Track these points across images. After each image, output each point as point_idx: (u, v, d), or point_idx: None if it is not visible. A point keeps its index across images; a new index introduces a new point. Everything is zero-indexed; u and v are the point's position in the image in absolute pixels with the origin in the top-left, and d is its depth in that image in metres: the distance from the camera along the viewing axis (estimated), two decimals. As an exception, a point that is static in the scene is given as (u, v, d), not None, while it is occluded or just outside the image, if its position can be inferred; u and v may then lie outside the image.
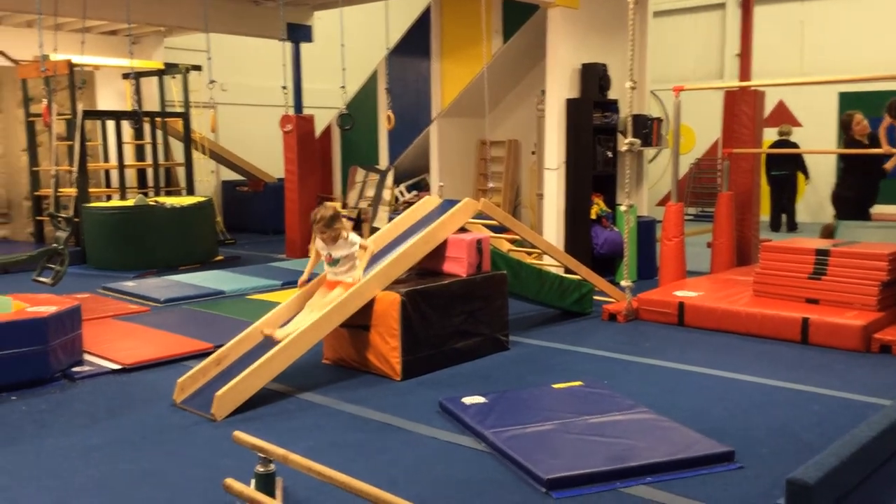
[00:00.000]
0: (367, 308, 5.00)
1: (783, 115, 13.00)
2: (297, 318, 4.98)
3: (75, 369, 5.05)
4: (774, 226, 12.16)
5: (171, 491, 3.36)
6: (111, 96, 12.15)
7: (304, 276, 5.27)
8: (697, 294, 6.41)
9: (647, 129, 8.39)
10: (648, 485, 3.34)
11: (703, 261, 8.11)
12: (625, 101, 6.60)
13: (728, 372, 5.00)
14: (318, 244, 5.13)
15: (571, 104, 8.01)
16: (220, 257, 9.86)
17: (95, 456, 3.75)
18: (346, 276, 5.05)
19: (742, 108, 8.09)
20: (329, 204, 5.23)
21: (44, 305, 5.05)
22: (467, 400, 4.28)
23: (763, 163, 10.56)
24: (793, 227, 12.13)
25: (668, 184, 11.35)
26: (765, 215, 10.79)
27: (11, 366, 4.65)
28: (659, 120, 8.71)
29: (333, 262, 5.08)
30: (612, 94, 8.19)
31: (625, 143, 6.45)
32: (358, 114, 10.54)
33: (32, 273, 6.98)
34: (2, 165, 11.13)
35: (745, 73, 8.78)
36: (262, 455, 3.14)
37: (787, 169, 11.94)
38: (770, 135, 11.37)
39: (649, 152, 10.25)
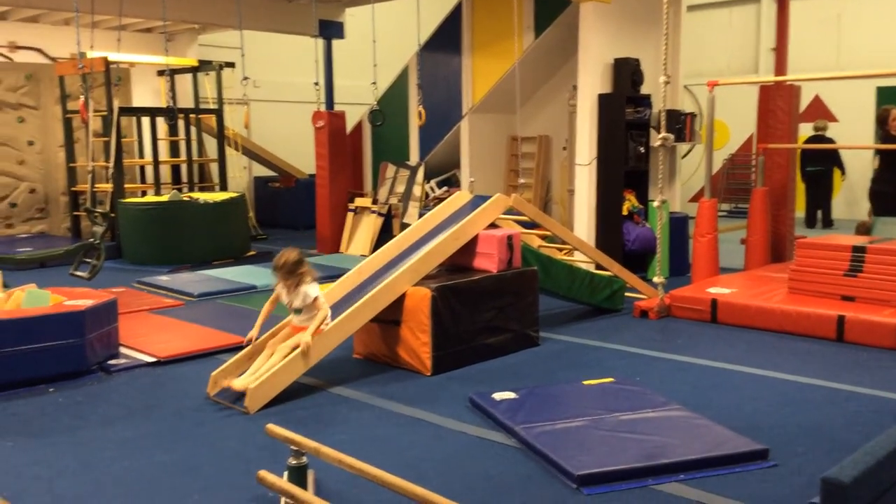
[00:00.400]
0: (398, 303, 5.02)
1: (819, 111, 12.80)
2: (257, 363, 4.57)
3: (111, 362, 5.13)
4: (810, 222, 11.99)
5: (206, 482, 3.40)
6: (146, 93, 12.32)
7: (254, 332, 4.67)
8: (731, 291, 6.34)
9: (680, 124, 8.31)
10: (681, 482, 3.32)
11: (736, 258, 8.02)
12: (658, 95, 6.54)
13: (762, 369, 4.95)
14: (278, 289, 4.67)
15: (603, 99, 7.95)
16: (252, 252, 9.96)
17: (131, 447, 3.81)
18: (310, 323, 4.62)
19: (777, 102, 7.98)
20: (292, 249, 4.66)
21: (81, 299, 5.14)
22: (497, 395, 4.28)
23: (798, 158, 10.41)
24: (828, 223, 11.95)
25: (700, 180, 11.24)
26: (800, 211, 10.65)
27: (49, 358, 4.74)
28: (692, 115, 8.61)
29: (296, 310, 4.68)
30: (644, 89, 8.12)
31: (658, 138, 6.39)
32: (389, 110, 10.57)
33: (69, 267, 7.11)
34: (39, 161, 11.35)
35: (780, 67, 8.65)
36: (295, 448, 3.17)
37: (822, 165, 11.76)
38: (805, 130, 11.19)
39: (682, 148, 10.15)
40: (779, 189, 7.98)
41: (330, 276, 7.31)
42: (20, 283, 5.53)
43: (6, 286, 5.40)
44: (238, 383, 4.39)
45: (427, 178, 10.79)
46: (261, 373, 4.43)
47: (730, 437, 3.66)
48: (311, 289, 4.62)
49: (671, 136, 6.59)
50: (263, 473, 2.87)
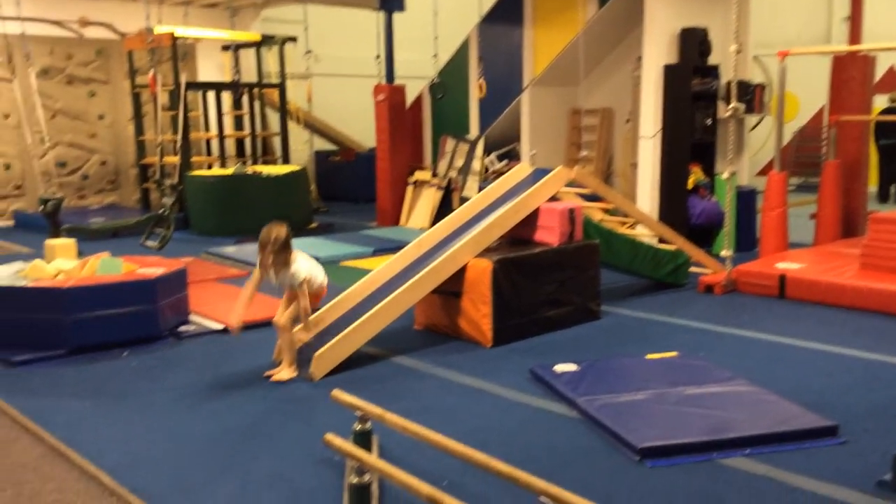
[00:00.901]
0: (459, 275, 5.04)
1: (894, 82, 12.31)
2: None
3: (182, 328, 5.28)
4: (883, 197, 11.58)
5: (274, 445, 3.49)
6: (211, 68, 12.51)
7: (238, 321, 4.39)
8: (800, 266, 6.19)
9: (749, 95, 8.08)
10: (747, 457, 3.27)
11: (805, 233, 7.82)
12: (727, 66, 6.38)
13: (831, 346, 4.83)
14: (261, 269, 4.40)
15: (669, 70, 7.79)
16: (314, 225, 10.09)
17: (202, 411, 3.93)
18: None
19: (851, 73, 7.71)
20: (280, 224, 4.37)
21: (152, 267, 5.29)
22: (559, 367, 4.28)
23: (872, 131, 10.05)
24: None
25: (768, 153, 10.94)
26: (873, 186, 10.30)
27: (123, 324, 4.91)
28: (762, 86, 8.38)
29: (281, 287, 4.49)
30: (712, 60, 7.92)
31: (728, 108, 6.24)
32: (449, 83, 10.54)
33: (140, 237, 7.32)
34: (110, 135, 11.67)
35: (854, 36, 8.34)
36: (360, 413, 3.23)
37: None
38: (880, 102, 10.79)
39: (750, 120, 9.87)
40: (851, 162, 7.73)
41: (390, 248, 7.39)
42: (94, 252, 5.72)
43: (80, 255, 5.59)
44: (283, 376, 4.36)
45: (487, 151, 10.74)
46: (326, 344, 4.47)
47: (797, 412, 3.60)
48: (300, 271, 4.36)
49: (742, 106, 6.43)
50: (330, 437, 2.93)
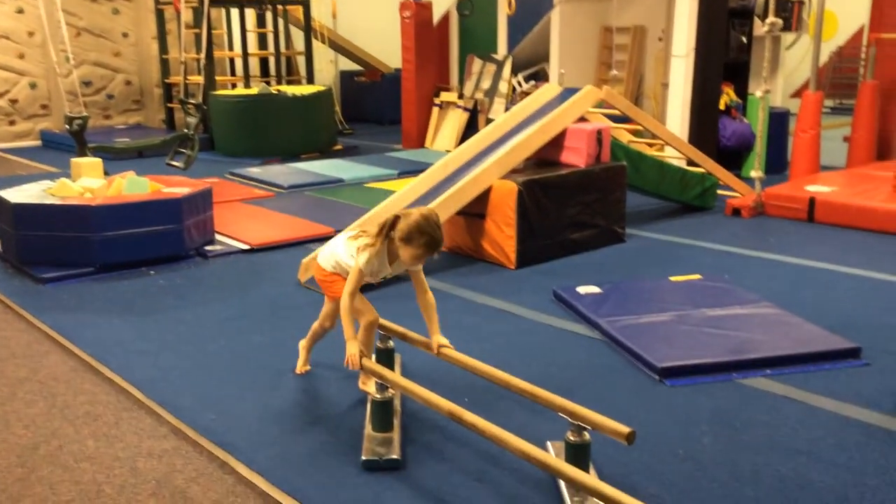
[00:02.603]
0: (484, 196, 5.01)
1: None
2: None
3: (208, 248, 5.34)
4: None
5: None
6: (235, -15, 12.29)
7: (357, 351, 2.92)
8: (831, 189, 6.08)
9: (787, 12, 7.81)
10: (767, 377, 3.28)
11: (838, 156, 7.66)
12: (764, -20, 6.13)
13: (859, 269, 4.77)
14: (376, 267, 2.95)
15: (704, -14, 7.50)
16: (339, 146, 10.04)
17: (228, 327, 4.00)
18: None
19: (895, -12, 7.40)
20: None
21: (178, 187, 5.32)
22: (582, 289, 4.28)
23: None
24: None
25: (804, 74, 10.61)
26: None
27: (150, 242, 4.96)
28: (800, 2, 8.07)
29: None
30: (748, -25, 7.63)
31: (766, 23, 6.03)
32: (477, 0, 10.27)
33: (165, 157, 7.34)
34: (133, 54, 11.60)
35: (900, -51, 7.97)
36: (383, 332, 3.27)
37: None
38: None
39: (786, 39, 9.56)
40: (890, 83, 7.49)
41: (415, 170, 7.33)
42: (119, 171, 5.75)
43: (106, 174, 5.62)
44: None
45: (515, 71, 10.54)
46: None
47: (820, 334, 3.58)
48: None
49: (780, 22, 6.20)
50: (353, 354, 2.97)
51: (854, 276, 4.68)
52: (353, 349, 2.88)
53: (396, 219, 2.82)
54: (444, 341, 2.94)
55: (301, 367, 3.45)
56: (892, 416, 2.95)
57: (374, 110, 12.77)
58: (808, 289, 4.45)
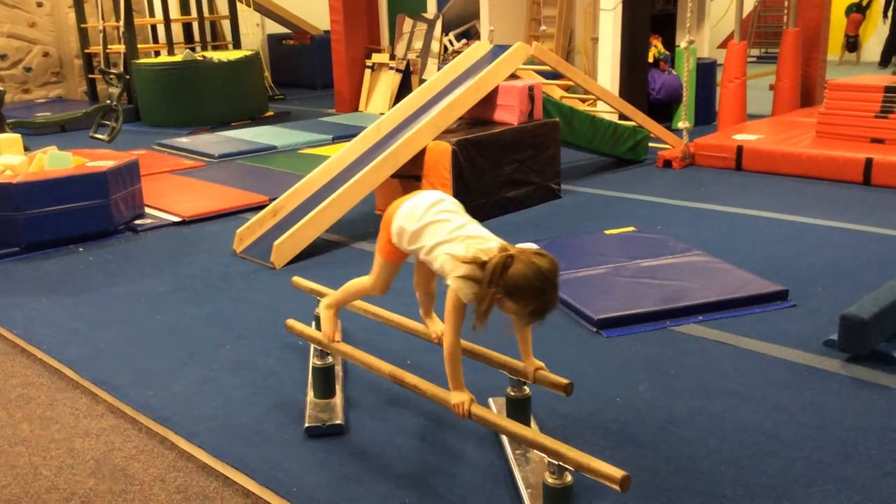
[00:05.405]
0: (419, 158, 4.98)
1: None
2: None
3: (138, 222, 5.20)
4: (884, 62, 11.40)
5: (237, 332, 3.51)
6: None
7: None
8: (757, 137, 6.22)
9: (709, -37, 7.88)
10: (699, 323, 3.37)
11: (764, 104, 7.83)
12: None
13: (786, 214, 4.92)
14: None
15: (628, -62, 7.51)
16: (270, 113, 9.85)
17: (163, 302, 3.92)
18: None
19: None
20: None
21: (103, 160, 5.15)
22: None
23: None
24: None
25: (730, 24, 10.77)
26: (833, 54, 10.19)
27: (76, 219, 4.81)
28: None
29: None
30: (672, -74, 7.67)
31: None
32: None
33: (89, 130, 7.10)
34: (50, 24, 11.11)
35: None
36: (321, 298, 3.24)
37: None
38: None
39: (711, -10, 9.68)
40: (812, 30, 7.64)
41: (349, 135, 7.25)
42: (41, 146, 5.54)
43: (27, 150, 5.41)
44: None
45: (446, 30, 10.45)
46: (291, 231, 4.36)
47: (750, 279, 3.69)
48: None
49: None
50: (292, 322, 2.95)
51: (781, 220, 4.82)
52: (460, 397, 2.34)
53: (510, 261, 2.27)
54: (540, 364, 2.52)
55: (334, 332, 2.79)
56: (818, 355, 3.06)
57: (305, 75, 12.53)
58: (737, 236, 4.57)
